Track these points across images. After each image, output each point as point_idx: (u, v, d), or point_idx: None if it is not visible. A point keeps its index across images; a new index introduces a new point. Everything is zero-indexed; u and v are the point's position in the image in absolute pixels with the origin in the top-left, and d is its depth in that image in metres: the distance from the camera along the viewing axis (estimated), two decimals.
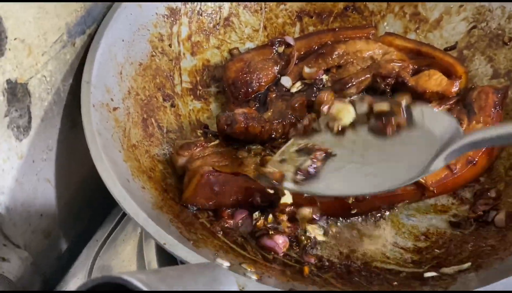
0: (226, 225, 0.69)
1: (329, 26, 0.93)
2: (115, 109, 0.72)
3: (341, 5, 0.93)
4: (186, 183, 0.72)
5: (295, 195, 0.69)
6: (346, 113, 0.68)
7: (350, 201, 0.69)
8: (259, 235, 0.68)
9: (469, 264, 0.61)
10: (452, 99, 0.77)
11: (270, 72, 0.86)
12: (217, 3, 0.89)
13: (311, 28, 0.93)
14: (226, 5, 0.90)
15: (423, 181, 0.70)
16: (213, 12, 0.89)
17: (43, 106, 0.69)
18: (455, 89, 0.78)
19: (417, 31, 0.89)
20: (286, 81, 0.85)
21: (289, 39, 0.87)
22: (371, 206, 0.71)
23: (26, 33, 0.63)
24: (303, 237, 0.69)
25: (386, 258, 0.67)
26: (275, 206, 0.70)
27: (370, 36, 0.87)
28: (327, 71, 0.84)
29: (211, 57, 0.89)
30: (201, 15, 0.88)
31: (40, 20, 0.65)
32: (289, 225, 0.69)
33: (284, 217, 0.69)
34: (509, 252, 0.61)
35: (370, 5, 0.92)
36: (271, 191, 0.69)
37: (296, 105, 0.79)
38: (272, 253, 0.67)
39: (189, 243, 0.60)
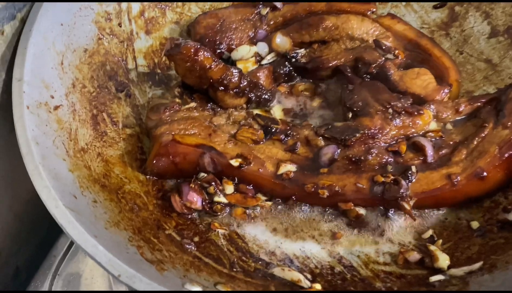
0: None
1: None
2: (56, 107, 0.61)
3: None
4: (149, 150, 0.66)
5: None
6: None
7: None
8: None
9: (481, 263, 0.53)
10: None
11: (245, 36, 0.75)
12: None
13: None
14: None
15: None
16: None
17: None
18: (440, 97, 0.66)
19: None
20: (262, 47, 0.74)
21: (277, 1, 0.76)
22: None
23: None
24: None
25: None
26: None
27: (368, 14, 0.75)
28: (308, 45, 0.73)
29: (169, 34, 0.78)
30: None
31: None
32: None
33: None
34: None
35: None
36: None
37: (262, 77, 0.69)
38: (250, 261, 0.58)
39: (151, 267, 0.50)
